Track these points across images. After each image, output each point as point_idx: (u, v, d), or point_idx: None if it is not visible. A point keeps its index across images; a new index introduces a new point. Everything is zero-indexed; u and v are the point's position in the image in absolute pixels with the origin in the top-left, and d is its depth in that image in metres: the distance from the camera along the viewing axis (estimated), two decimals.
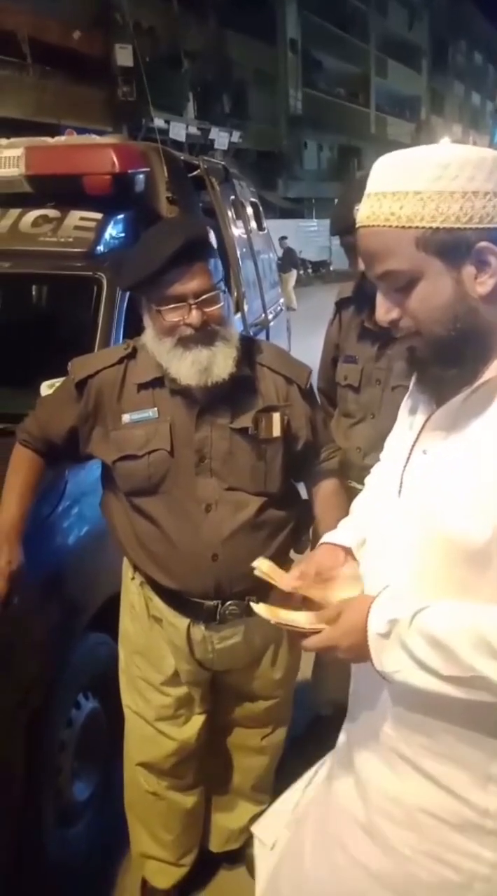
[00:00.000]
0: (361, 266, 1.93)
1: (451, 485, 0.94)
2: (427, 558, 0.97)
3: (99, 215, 2.60)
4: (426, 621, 0.92)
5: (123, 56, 14.90)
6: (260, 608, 1.10)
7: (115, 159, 2.58)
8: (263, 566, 1.17)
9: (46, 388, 1.89)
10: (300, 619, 1.07)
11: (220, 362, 1.47)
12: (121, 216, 2.65)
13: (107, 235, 2.58)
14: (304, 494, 1.74)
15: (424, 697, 0.96)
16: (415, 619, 0.93)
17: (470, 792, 0.98)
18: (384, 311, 0.97)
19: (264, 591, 1.27)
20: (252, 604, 1.12)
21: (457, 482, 0.93)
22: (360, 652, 0.98)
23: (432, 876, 1.02)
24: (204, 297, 1.43)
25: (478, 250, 0.89)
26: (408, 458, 1.05)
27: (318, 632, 1.03)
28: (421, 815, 1.02)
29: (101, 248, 2.54)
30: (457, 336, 0.92)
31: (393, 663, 0.95)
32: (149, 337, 1.51)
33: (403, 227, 0.89)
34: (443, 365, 0.95)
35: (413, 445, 1.04)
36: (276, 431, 1.56)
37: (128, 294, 2.31)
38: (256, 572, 1.17)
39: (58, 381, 1.73)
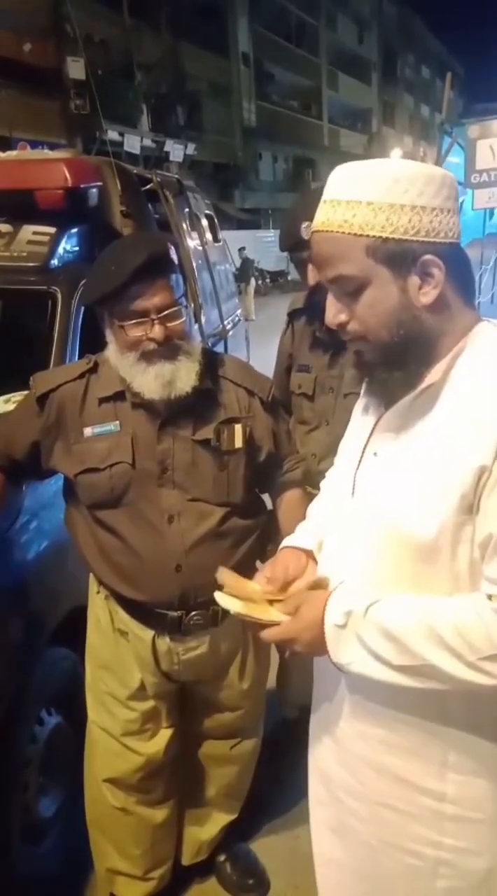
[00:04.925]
0: (311, 280, 1.99)
1: (400, 484, 0.98)
2: (381, 555, 1.00)
3: (52, 229, 2.59)
4: (379, 613, 0.96)
5: (75, 69, 14.79)
6: (221, 597, 1.11)
7: (67, 174, 2.58)
8: (224, 576, 1.16)
9: (2, 403, 1.88)
10: (260, 611, 1.09)
11: (183, 376, 1.48)
12: (74, 230, 2.65)
13: (61, 249, 2.58)
14: (270, 505, 1.75)
15: (381, 690, 0.99)
16: (369, 611, 0.97)
17: (427, 781, 1.02)
18: (333, 313, 1.01)
19: None
20: (216, 592, 1.12)
21: (405, 482, 0.98)
22: (318, 645, 1.01)
23: (400, 865, 1.06)
24: (166, 312, 1.45)
25: (423, 262, 0.93)
26: (360, 460, 1.09)
27: (276, 624, 1.06)
28: (381, 810, 1.06)
29: (55, 262, 2.54)
30: (400, 341, 0.97)
31: (348, 654, 0.98)
32: (111, 351, 1.52)
33: (355, 234, 0.93)
34: (387, 368, 1.00)
35: (365, 447, 1.08)
36: (239, 443, 1.58)
37: (83, 309, 2.31)
38: (221, 598, 1.13)
39: (14, 396, 1.72)
